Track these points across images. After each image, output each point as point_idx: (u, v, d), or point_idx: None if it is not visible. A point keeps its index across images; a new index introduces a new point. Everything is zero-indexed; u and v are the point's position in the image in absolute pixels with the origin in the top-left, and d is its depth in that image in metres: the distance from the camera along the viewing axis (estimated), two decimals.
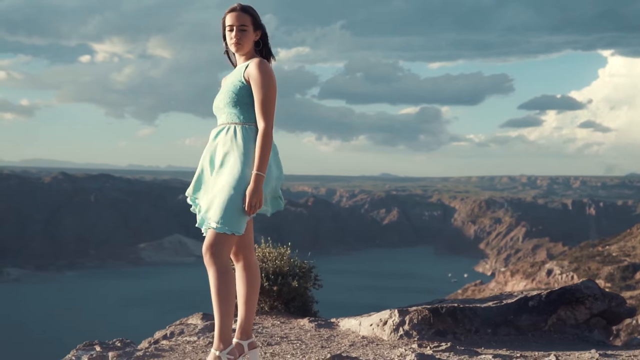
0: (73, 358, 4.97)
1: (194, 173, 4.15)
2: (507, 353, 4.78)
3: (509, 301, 5.65)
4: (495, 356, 4.59)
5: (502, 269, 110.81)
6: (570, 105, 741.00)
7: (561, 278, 76.15)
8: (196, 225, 4.11)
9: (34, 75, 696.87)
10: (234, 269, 4.17)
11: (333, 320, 6.05)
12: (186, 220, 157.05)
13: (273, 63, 4.22)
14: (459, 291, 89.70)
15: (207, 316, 6.33)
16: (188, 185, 4.20)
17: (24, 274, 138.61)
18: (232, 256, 4.12)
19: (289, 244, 6.53)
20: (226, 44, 4.18)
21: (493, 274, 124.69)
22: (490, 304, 5.63)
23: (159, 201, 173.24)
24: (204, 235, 4.01)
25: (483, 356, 4.62)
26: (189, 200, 4.21)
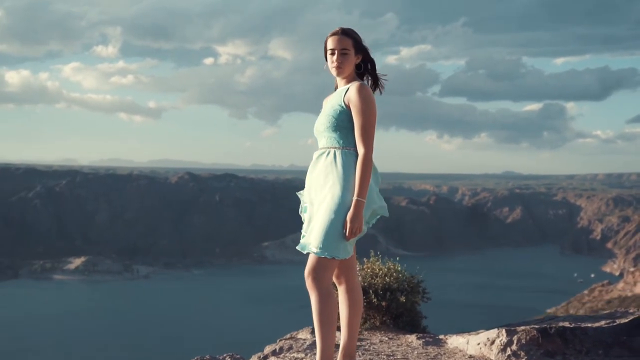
0: None
1: None
2: None
3: (622, 321, 5.49)
4: None
5: (631, 269, 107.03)
6: None
7: None
8: (296, 247, 4.21)
9: (160, 78, 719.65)
10: (336, 292, 4.23)
11: (441, 337, 6.02)
12: None
13: (379, 91, 4.25)
14: (586, 292, 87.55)
15: None
16: None
17: (153, 271, 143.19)
18: (334, 279, 4.17)
19: (397, 258, 6.53)
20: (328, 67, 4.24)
21: (621, 274, 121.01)
22: (602, 323, 5.49)
23: (281, 200, 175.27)
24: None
25: None
26: (301, 210, 4.40)
